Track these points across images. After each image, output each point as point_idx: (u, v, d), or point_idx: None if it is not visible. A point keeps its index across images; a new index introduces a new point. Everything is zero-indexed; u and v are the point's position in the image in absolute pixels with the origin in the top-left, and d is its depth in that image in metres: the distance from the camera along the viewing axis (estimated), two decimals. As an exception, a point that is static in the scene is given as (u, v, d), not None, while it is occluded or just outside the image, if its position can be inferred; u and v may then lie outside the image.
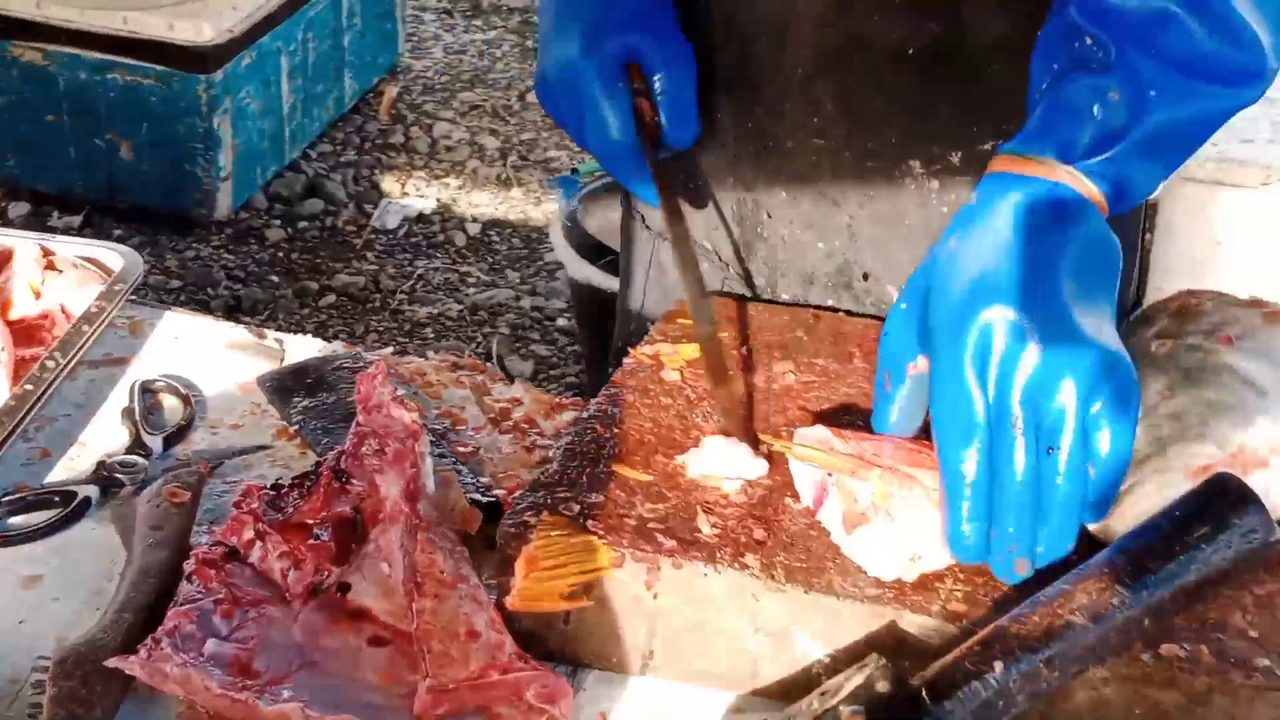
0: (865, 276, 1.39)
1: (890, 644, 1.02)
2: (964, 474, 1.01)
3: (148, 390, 1.36)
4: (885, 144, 1.32)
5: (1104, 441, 1.00)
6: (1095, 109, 1.08)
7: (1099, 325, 1.03)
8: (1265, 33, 1.10)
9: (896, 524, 1.05)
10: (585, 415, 1.20)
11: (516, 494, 1.14)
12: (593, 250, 3.08)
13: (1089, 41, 1.10)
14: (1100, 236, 1.06)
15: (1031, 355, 1.00)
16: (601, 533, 1.07)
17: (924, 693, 0.93)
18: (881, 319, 1.13)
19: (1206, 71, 1.09)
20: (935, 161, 1.32)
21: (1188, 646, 0.99)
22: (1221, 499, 1.00)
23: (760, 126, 1.35)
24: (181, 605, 1.05)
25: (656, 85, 1.30)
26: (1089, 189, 1.07)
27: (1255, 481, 1.04)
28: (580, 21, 1.31)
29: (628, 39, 1.30)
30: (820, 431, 1.10)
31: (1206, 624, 1.01)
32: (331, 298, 3.74)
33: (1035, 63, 1.13)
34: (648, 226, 1.52)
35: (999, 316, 1.01)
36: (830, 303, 1.40)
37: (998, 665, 0.94)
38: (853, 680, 0.94)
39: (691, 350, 1.27)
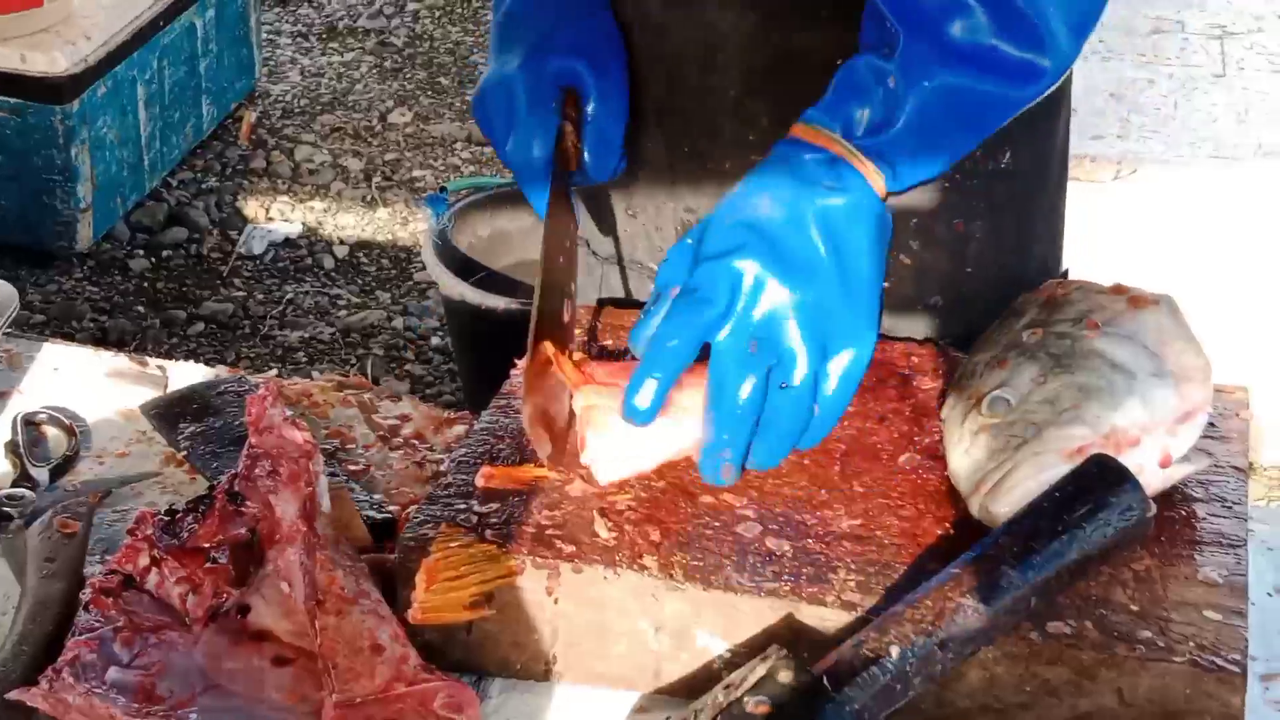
0: None
1: (788, 635, 1.04)
2: (668, 353, 1.09)
3: (30, 423, 1.35)
4: None
5: (831, 384, 1.10)
6: (878, 92, 1.14)
7: (849, 286, 1.11)
8: (1061, 28, 1.14)
9: (610, 433, 1.12)
10: (477, 427, 1.21)
11: (413, 508, 1.15)
12: (465, 267, 3.08)
13: (888, 25, 1.15)
14: (865, 208, 1.13)
15: (774, 298, 1.09)
16: (500, 542, 1.08)
17: (825, 680, 0.96)
18: None
19: (990, 64, 1.14)
20: None
21: (1073, 623, 1.03)
22: (1099, 479, 1.04)
23: (696, 149, 1.36)
24: (81, 635, 1.05)
25: (587, 114, 1.30)
26: (864, 165, 1.14)
27: (1128, 460, 1.08)
28: (526, 40, 1.32)
29: (568, 63, 1.30)
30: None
31: (1090, 600, 1.04)
32: (200, 326, 3.69)
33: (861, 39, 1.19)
34: (594, 253, 1.49)
35: (752, 259, 1.09)
36: None
37: (894, 650, 0.97)
38: (756, 672, 0.96)
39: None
